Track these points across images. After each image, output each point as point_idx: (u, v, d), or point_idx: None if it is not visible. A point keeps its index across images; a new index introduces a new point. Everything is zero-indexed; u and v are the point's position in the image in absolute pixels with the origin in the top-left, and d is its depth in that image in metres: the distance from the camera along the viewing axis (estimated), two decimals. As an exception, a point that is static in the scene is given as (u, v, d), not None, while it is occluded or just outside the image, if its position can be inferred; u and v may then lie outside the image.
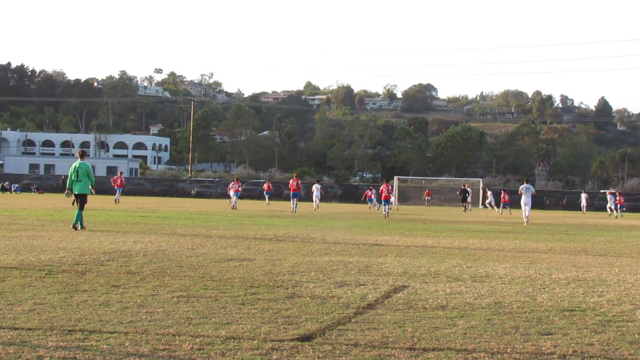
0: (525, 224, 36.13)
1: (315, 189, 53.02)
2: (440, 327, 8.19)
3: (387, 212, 42.80)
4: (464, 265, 15.00)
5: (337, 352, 6.90)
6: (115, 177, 56.76)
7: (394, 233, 25.90)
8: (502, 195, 58.94)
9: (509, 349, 7.13)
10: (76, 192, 22.67)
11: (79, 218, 22.33)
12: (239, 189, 52.11)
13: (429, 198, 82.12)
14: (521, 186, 38.98)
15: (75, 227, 22.14)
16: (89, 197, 23.96)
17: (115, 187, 53.17)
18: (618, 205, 57.03)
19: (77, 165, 22.66)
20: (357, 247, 18.93)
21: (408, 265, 14.56)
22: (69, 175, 22.82)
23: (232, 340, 7.27)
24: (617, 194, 61.82)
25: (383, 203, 43.99)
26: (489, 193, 68.22)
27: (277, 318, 8.50)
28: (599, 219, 49.19)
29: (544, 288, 11.65)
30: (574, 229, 33.59)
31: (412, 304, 9.71)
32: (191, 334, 7.51)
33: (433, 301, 10.02)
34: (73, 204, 23.30)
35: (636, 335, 7.90)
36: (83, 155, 23.35)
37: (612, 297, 10.73)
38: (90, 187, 22.85)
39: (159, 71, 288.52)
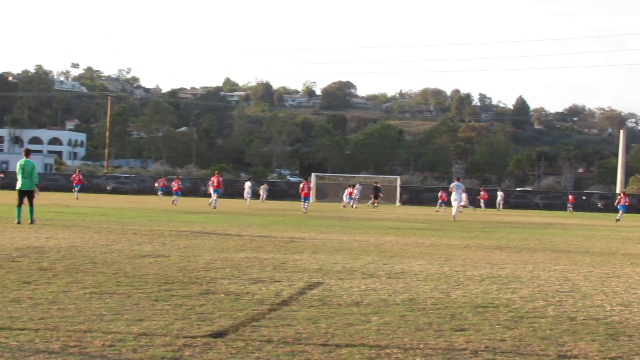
0: (453, 219, 38.18)
1: (247, 186, 54.45)
2: (354, 324, 8.22)
3: (306, 209, 43.47)
4: (379, 262, 15.11)
5: (250, 348, 6.87)
6: (73, 174, 60.81)
7: (311, 230, 25.97)
8: (481, 193, 59.78)
9: (421, 345, 7.22)
10: (24, 189, 23.30)
11: (32, 213, 23.19)
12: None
13: (349, 196, 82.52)
14: (452, 184, 40.37)
15: (32, 222, 22.88)
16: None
17: (74, 184, 58.06)
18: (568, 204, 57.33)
19: (22, 163, 23.37)
20: (273, 244, 18.91)
21: (323, 262, 14.61)
22: (17, 173, 23.58)
23: (144, 336, 7.18)
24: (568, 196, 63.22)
25: (303, 200, 44.45)
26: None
27: (190, 314, 8.44)
28: (516, 217, 50.20)
29: (459, 285, 11.83)
30: (490, 226, 34.20)
31: (327, 301, 9.74)
32: (103, 330, 7.40)
33: (347, 298, 10.06)
34: (20, 204, 23.13)
35: (547, 331, 8.06)
36: (28, 153, 24.17)
37: (525, 294, 10.95)
38: (35, 185, 23.60)
39: (75, 66, 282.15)
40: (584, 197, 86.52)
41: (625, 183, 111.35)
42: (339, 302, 9.64)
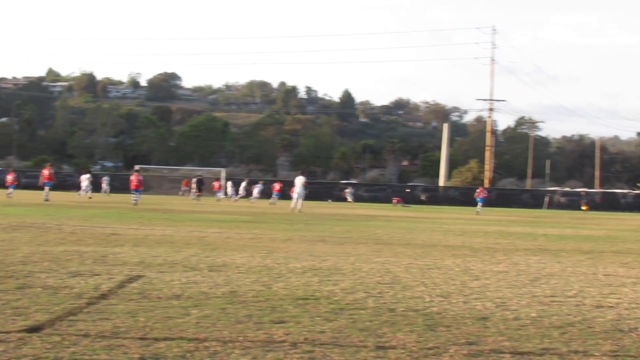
0: (296, 211, 40.01)
1: (84, 179, 54.86)
2: (173, 317, 8.14)
3: (136, 201, 43.48)
4: (201, 254, 15.04)
5: (66, 342, 6.70)
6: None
7: (133, 223, 25.59)
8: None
9: (241, 338, 7.21)
10: None
11: None
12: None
13: (186, 188, 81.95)
14: (296, 178, 41.60)
15: None
16: None
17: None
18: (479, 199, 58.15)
19: None
20: (94, 237, 18.54)
21: (145, 255, 14.42)
22: None
23: (-51, 335, 6.87)
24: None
25: (133, 192, 44.91)
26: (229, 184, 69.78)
27: (5, 309, 8.17)
28: (340, 209, 51.10)
29: (280, 277, 11.90)
30: (314, 218, 34.66)
31: (147, 294, 9.61)
32: None
33: (168, 291, 9.97)
34: None
35: (367, 323, 8.21)
36: None
37: (346, 286, 11.13)
38: None
39: None
40: (407, 190, 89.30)
41: (449, 176, 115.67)
42: (159, 296, 9.53)
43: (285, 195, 63.26)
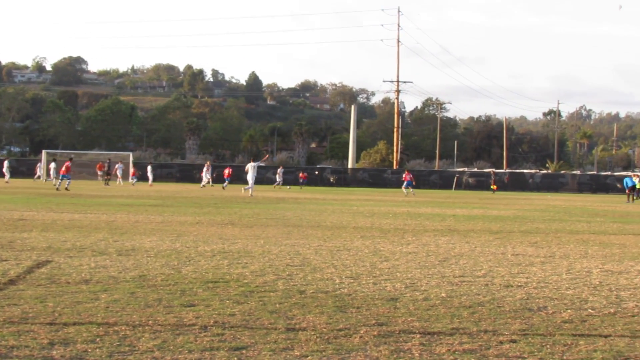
0: (250, 196, 41.59)
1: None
2: (82, 302, 8.10)
3: (67, 186, 44.98)
4: (110, 239, 14.94)
5: (-29, 331, 6.59)
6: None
7: (41, 208, 25.22)
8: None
9: (150, 322, 7.18)
10: None
11: None
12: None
13: (102, 172, 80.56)
14: (253, 164, 44.18)
15: None
16: None
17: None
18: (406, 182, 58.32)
19: None
20: (0, 222, 18.30)
21: (53, 240, 14.25)
22: None
23: None
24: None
25: (61, 178, 45.11)
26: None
27: None
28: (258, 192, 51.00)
29: (190, 260, 11.88)
30: (223, 201, 34.53)
31: (55, 279, 9.53)
32: None
33: (77, 275, 9.91)
34: None
35: (277, 305, 8.26)
36: None
37: (255, 268, 11.16)
38: None
39: None
40: (316, 172, 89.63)
41: (357, 158, 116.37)
42: (68, 280, 9.47)
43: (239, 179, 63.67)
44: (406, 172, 57.62)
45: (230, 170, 64.42)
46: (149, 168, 69.65)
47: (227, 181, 60.55)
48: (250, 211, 27.02)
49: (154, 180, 69.48)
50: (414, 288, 9.68)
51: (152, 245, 14.01)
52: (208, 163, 68.90)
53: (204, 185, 63.52)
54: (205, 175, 64.83)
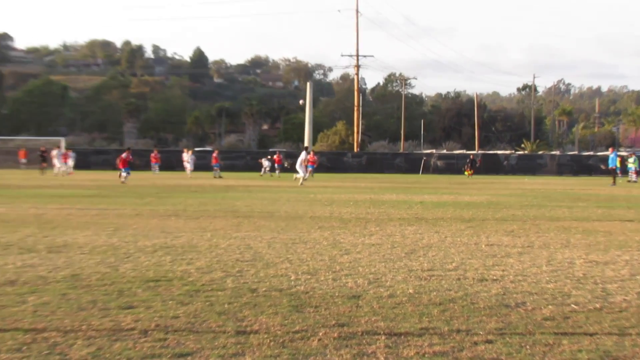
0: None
1: None
2: (7, 305, 8.01)
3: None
4: (39, 234, 14.80)
5: None
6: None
7: (-43, 201, 24.88)
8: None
9: (84, 326, 7.07)
10: None
11: None
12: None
13: (25, 160, 79.74)
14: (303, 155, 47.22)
15: None
16: None
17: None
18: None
19: None
20: None
21: (-29, 238, 14.05)
22: None
23: None
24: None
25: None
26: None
27: None
28: (195, 180, 50.76)
29: (128, 257, 11.78)
30: (166, 191, 34.36)
31: (-26, 282, 9.40)
32: None
33: (1, 276, 9.81)
34: None
35: (226, 305, 8.18)
36: None
37: (202, 265, 11.08)
38: None
39: None
40: (269, 157, 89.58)
41: (314, 140, 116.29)
42: (-10, 283, 9.34)
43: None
44: (312, 156, 58.50)
45: (217, 156, 64.58)
46: (70, 154, 68.46)
47: (216, 167, 61.59)
48: (196, 201, 26.90)
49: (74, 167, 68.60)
50: (378, 284, 9.65)
51: (86, 240, 13.89)
52: (188, 151, 68.36)
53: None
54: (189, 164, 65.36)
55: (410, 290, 9.22)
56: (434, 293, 9.09)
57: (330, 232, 16.09)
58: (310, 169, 56.12)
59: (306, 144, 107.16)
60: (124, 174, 45.31)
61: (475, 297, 8.89)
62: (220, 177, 59.36)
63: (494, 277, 10.28)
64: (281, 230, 16.55)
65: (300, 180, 46.34)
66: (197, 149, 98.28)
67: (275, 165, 71.46)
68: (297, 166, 46.91)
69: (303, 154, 48.03)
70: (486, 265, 11.39)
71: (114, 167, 65.01)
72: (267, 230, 16.35)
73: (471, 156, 79.99)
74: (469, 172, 72.89)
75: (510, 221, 19.69)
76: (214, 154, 65.19)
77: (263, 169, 72.03)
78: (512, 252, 13.03)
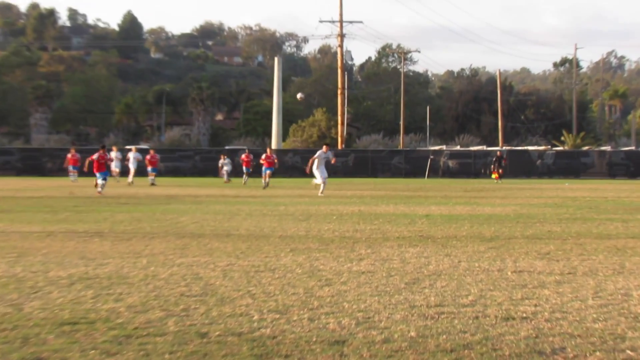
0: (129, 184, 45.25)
1: None
2: None
3: None
4: None
5: None
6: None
7: None
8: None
9: (-26, 388, 7.06)
10: None
11: None
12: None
13: None
14: (130, 153, 48.79)
15: None
16: None
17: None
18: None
19: None
20: None
21: None
22: None
23: None
24: None
25: None
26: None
27: None
28: (125, 189, 50.68)
29: (36, 292, 11.78)
30: (88, 203, 34.29)
31: None
32: None
33: None
34: None
35: (166, 355, 8.18)
36: None
37: (135, 301, 11.06)
38: None
39: None
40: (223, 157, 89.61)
41: (284, 134, 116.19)
42: None
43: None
44: (266, 154, 58.40)
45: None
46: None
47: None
48: (127, 216, 26.89)
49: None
50: (370, 325, 9.67)
51: (-22, 271, 13.85)
52: (116, 149, 68.45)
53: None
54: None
55: (412, 333, 9.23)
56: (444, 337, 9.11)
57: (306, 257, 16.12)
58: (268, 171, 55.88)
59: (274, 139, 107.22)
60: (100, 182, 44.46)
61: (499, 341, 8.91)
62: (153, 184, 59.15)
63: (524, 315, 10.31)
64: (241, 254, 16.57)
65: (321, 188, 44.52)
66: (128, 147, 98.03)
67: (244, 168, 70.44)
68: (314, 169, 44.16)
69: (323, 151, 45.19)
70: (513, 299, 11.42)
71: (18, 172, 64.88)
72: (222, 255, 16.37)
73: (498, 153, 78.39)
74: (497, 173, 72.02)
75: (545, 240, 19.78)
76: (150, 155, 64.76)
77: (226, 176, 70.87)
78: (547, 281, 13.07)
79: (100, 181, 43.68)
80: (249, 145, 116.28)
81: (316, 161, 44.35)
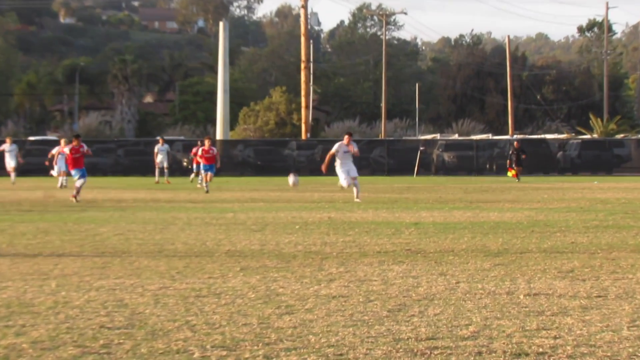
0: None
1: None
2: None
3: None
4: None
5: None
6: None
7: None
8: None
9: None
10: None
11: None
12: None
13: None
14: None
15: None
16: None
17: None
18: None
19: None
20: None
21: None
22: None
23: None
24: None
25: None
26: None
27: None
28: (32, 191, 50.62)
29: None
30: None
31: None
32: None
33: None
34: None
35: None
36: None
37: (41, 335, 11.07)
38: None
39: None
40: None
41: (233, 121, 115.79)
42: None
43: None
44: (205, 147, 58.14)
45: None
46: None
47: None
48: (32, 227, 26.86)
49: None
50: (343, 364, 9.72)
51: None
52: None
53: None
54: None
55: (398, 375, 9.29)
56: (439, 379, 9.17)
57: (260, 277, 16.18)
58: (209, 172, 55.68)
59: (219, 127, 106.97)
60: (79, 181, 43.27)
61: (508, 384, 8.98)
62: (65, 186, 58.32)
63: (540, 350, 10.36)
64: (177, 275, 16.61)
65: (355, 192, 42.73)
66: (31, 137, 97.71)
67: (194, 164, 69.50)
68: (336, 167, 41.91)
69: (344, 143, 43.57)
70: (526, 330, 11.47)
71: None
72: (153, 276, 16.41)
73: (515, 143, 76.97)
74: (514, 170, 71.03)
75: (568, 254, 19.88)
76: (60, 148, 63.74)
77: (166, 171, 69.90)
78: (570, 307, 13.13)
79: (79, 181, 42.47)
80: (187, 134, 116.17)
81: (337, 157, 43.00)
